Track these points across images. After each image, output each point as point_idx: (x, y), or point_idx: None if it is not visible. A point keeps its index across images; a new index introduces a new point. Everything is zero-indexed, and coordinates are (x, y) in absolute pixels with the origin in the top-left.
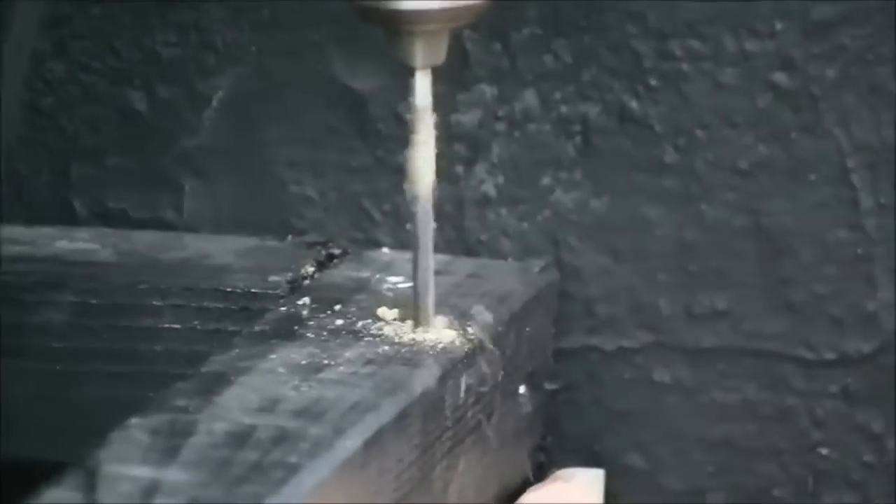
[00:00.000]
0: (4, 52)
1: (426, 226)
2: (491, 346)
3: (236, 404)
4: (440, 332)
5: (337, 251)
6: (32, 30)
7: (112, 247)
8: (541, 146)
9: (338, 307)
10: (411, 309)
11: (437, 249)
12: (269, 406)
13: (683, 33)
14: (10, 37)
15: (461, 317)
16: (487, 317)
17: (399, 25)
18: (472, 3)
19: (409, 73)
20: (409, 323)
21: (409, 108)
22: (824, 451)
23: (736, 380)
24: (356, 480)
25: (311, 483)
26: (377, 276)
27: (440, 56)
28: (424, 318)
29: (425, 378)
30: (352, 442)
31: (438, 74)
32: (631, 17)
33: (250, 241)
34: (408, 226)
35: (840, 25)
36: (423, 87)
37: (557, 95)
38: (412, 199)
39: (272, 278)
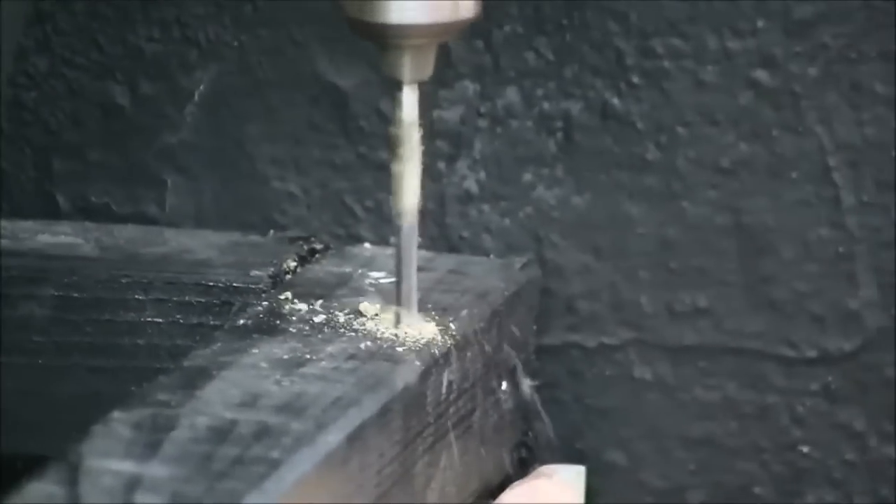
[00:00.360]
0: None
1: (410, 241)
2: (472, 343)
3: (218, 399)
4: (422, 328)
5: (319, 246)
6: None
7: (94, 241)
8: (523, 143)
9: (320, 302)
10: (393, 304)
11: (419, 246)
12: (251, 401)
13: (665, 31)
14: None
15: (443, 313)
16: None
17: (387, 39)
18: (459, 18)
19: (397, 87)
20: (392, 318)
21: (395, 122)
22: (805, 450)
23: (717, 377)
24: (338, 476)
25: (293, 478)
26: (359, 271)
27: (427, 70)
28: (406, 314)
29: (407, 374)
30: (333, 437)
31: None
32: (613, 15)
33: (232, 236)
34: (392, 240)
35: (821, 24)
36: (410, 102)
37: (539, 92)
38: (397, 214)
39: (254, 273)
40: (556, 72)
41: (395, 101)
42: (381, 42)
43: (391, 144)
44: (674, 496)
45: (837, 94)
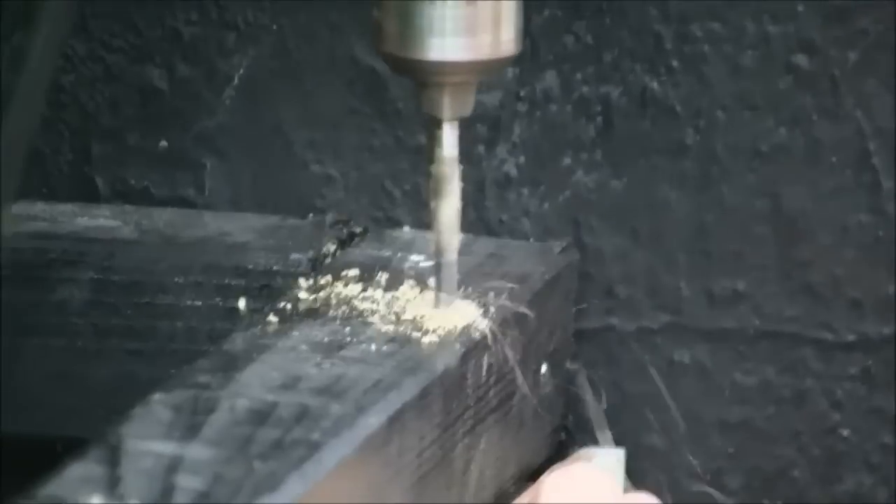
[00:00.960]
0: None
1: (451, 277)
2: (512, 326)
3: (258, 381)
4: (462, 311)
5: (358, 230)
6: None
7: (133, 224)
8: (561, 127)
9: (359, 286)
10: (433, 288)
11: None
12: (291, 383)
13: (704, 16)
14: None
15: (483, 296)
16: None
17: (427, 77)
18: (500, 56)
19: (437, 125)
20: (431, 301)
21: (434, 159)
22: (843, 434)
23: (755, 362)
24: (377, 458)
25: (333, 461)
26: (398, 254)
27: (467, 108)
28: (446, 297)
29: (447, 357)
30: (374, 420)
31: None
32: (652, 0)
33: (271, 220)
34: (430, 280)
35: (861, 9)
36: (450, 140)
37: (578, 76)
38: (437, 251)
39: (293, 256)
40: (594, 56)
41: (435, 138)
42: (420, 79)
43: (430, 181)
44: (711, 480)
45: (877, 80)
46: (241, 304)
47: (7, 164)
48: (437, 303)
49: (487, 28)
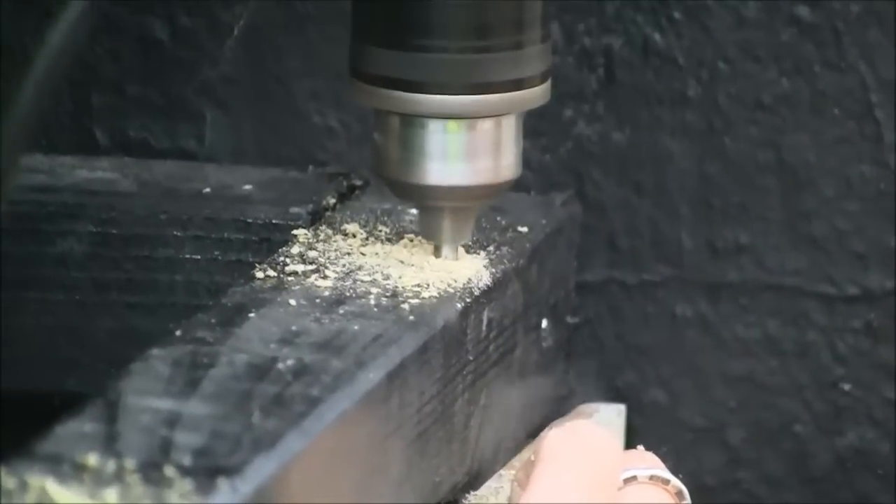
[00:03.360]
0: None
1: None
2: (513, 279)
3: (257, 336)
4: (462, 265)
5: (359, 182)
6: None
7: (132, 176)
8: (563, 79)
9: (359, 239)
10: (433, 241)
11: None
12: (290, 338)
13: None
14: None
15: (483, 249)
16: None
17: (427, 200)
18: (500, 181)
19: (436, 251)
20: (432, 255)
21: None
22: (846, 387)
23: (758, 315)
24: (378, 414)
25: (333, 416)
26: (399, 207)
27: (466, 235)
28: (447, 251)
29: (447, 311)
30: (374, 375)
31: None
32: None
33: (272, 172)
34: None
35: None
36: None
37: (580, 28)
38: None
39: (293, 209)
40: (597, 7)
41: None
42: (420, 203)
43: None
44: (714, 434)
45: (880, 31)
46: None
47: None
48: (437, 256)
49: (488, 153)
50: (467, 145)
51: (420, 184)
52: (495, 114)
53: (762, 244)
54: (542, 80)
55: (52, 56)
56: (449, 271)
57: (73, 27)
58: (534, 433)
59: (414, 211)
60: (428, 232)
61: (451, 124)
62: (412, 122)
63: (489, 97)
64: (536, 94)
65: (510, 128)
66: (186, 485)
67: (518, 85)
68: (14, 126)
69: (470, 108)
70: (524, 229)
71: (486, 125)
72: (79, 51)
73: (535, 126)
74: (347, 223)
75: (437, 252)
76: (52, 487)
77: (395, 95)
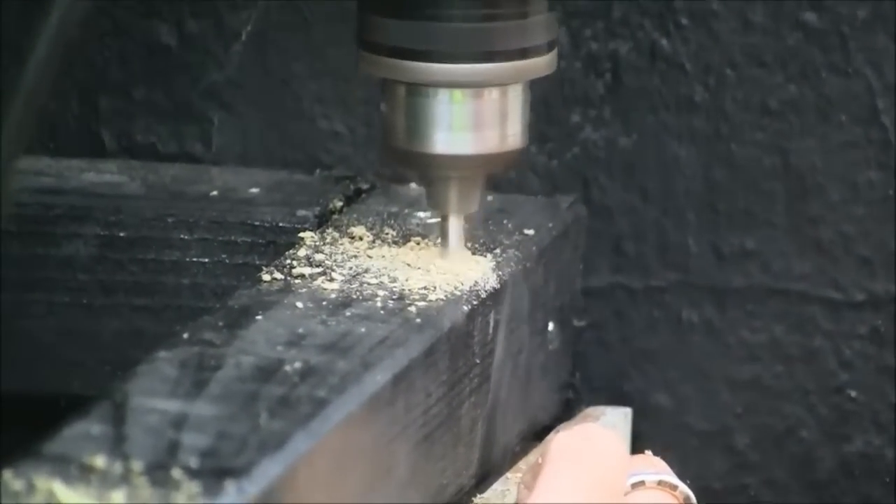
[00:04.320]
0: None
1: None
2: (520, 282)
3: (263, 338)
4: (469, 268)
5: (365, 186)
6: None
7: (139, 179)
8: (570, 83)
9: (366, 242)
10: (440, 244)
11: None
12: (297, 340)
13: None
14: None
15: (490, 252)
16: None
17: (433, 171)
18: (506, 150)
19: (443, 218)
20: (438, 258)
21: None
22: (852, 393)
23: (763, 320)
24: (384, 416)
25: (339, 417)
26: (405, 210)
27: (474, 204)
28: (453, 254)
29: (453, 314)
30: (380, 377)
31: None
32: None
33: (278, 175)
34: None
35: None
36: (455, 232)
37: (588, 32)
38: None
39: (300, 212)
40: (604, 12)
41: (441, 230)
42: (426, 173)
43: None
44: (719, 439)
45: (886, 36)
46: None
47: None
48: (443, 259)
49: (494, 122)
50: (473, 114)
51: (426, 153)
52: (501, 83)
53: (768, 249)
54: (549, 50)
55: (45, 50)
56: (455, 274)
57: (63, 20)
58: (540, 436)
59: (421, 214)
60: (434, 202)
61: (457, 93)
62: (418, 91)
63: (495, 66)
64: (542, 64)
65: (516, 97)
66: (193, 486)
67: (524, 54)
68: (9, 124)
69: (476, 77)
70: (530, 232)
71: (493, 94)
72: (71, 43)
73: (542, 130)
74: (354, 226)
75: (444, 257)
76: (60, 489)
77: (401, 65)
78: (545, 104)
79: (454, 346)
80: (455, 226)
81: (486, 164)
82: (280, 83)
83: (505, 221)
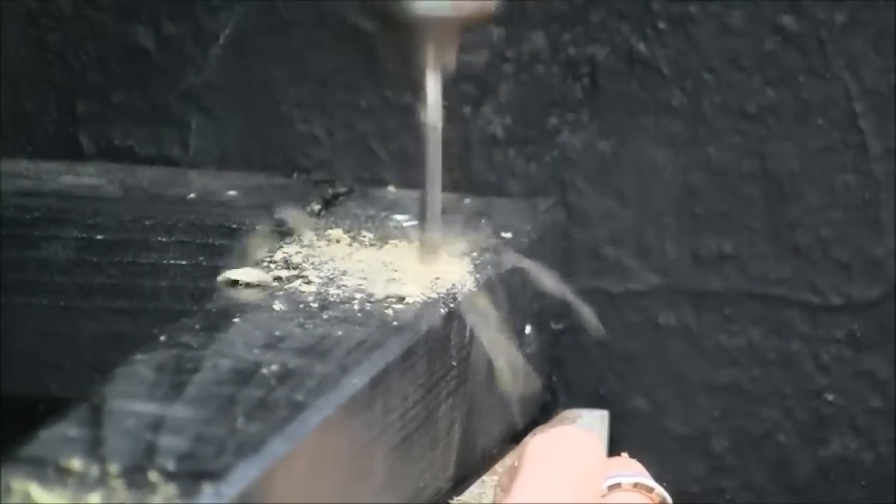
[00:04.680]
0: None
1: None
2: (497, 285)
3: (241, 341)
4: (447, 270)
5: (343, 189)
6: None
7: (117, 182)
8: (548, 87)
9: (344, 245)
10: (418, 247)
11: (444, 189)
12: (274, 343)
13: None
14: None
15: (468, 255)
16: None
17: (409, 28)
18: (482, 3)
19: (420, 75)
20: (416, 261)
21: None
22: (829, 397)
23: (741, 324)
24: (361, 419)
25: (317, 421)
26: (383, 214)
27: (451, 59)
28: (431, 257)
29: (431, 317)
30: (358, 380)
31: None
32: None
33: (256, 179)
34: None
35: None
36: (433, 89)
37: (566, 37)
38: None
39: (278, 215)
40: (582, 17)
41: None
42: (406, 32)
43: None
44: (697, 443)
45: (864, 40)
46: None
47: None
48: (421, 262)
49: None
50: None
51: (406, 10)
52: None
53: (746, 253)
54: None
55: None
56: (433, 277)
57: None
58: (517, 438)
59: (398, 217)
60: (415, 61)
61: None
62: None
63: None
64: None
65: None
66: (170, 489)
67: None
68: None
69: None
70: (508, 235)
71: None
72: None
73: (520, 134)
74: (332, 229)
75: (422, 261)
76: (36, 491)
77: None
78: (523, 108)
79: (431, 349)
80: (433, 85)
81: (464, 22)
82: (259, 87)
83: (483, 224)
